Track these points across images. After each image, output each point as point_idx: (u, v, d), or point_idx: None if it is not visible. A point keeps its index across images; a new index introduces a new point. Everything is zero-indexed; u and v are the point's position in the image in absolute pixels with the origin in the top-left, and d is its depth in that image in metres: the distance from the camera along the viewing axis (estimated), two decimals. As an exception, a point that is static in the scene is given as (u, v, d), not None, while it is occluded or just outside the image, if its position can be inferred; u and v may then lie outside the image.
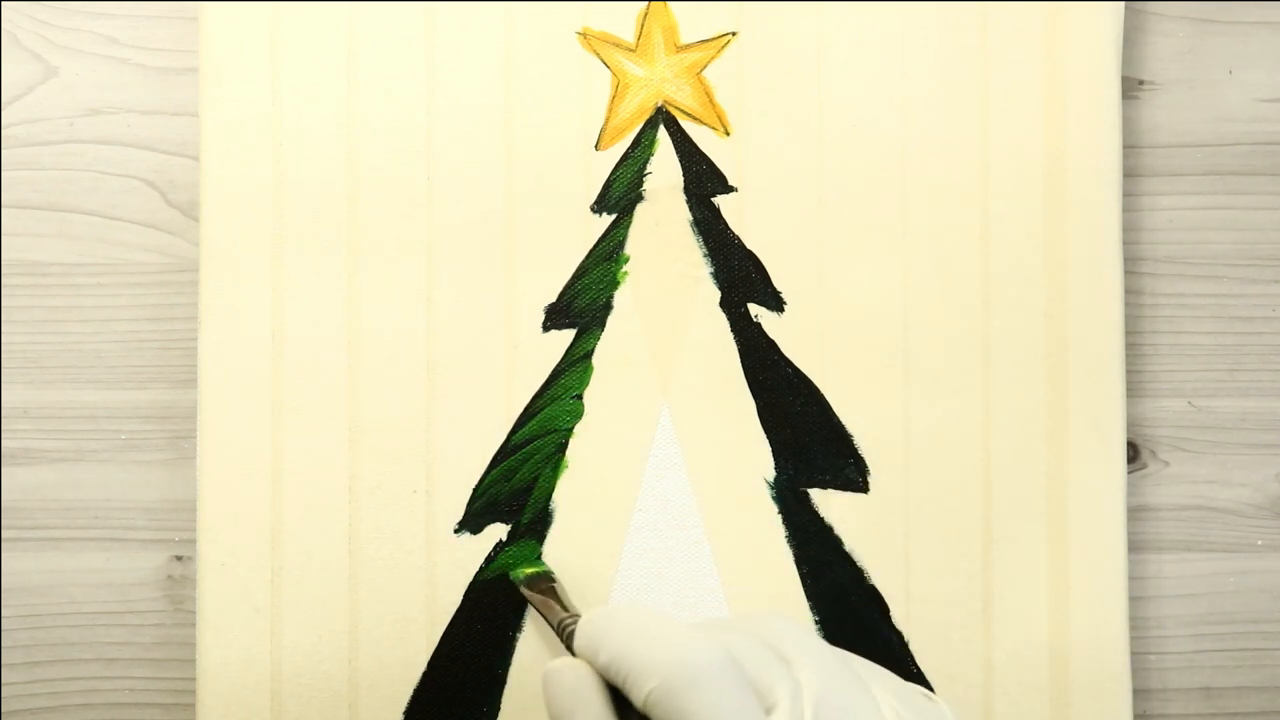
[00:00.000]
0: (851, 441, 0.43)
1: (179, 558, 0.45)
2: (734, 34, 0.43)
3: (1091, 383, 0.42)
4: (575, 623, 0.32)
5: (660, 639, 0.26)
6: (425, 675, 0.42)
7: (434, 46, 0.43)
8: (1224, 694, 0.44)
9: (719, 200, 0.43)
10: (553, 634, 0.41)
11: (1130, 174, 0.44)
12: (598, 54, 0.43)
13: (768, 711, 0.25)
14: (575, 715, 0.27)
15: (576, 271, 0.43)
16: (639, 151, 0.43)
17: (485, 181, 0.43)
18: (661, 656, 0.25)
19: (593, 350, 0.43)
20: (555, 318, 0.43)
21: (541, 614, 0.39)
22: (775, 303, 0.43)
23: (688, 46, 0.43)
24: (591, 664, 0.27)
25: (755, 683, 0.25)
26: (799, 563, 0.42)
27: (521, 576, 0.41)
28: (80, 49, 0.45)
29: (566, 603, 0.39)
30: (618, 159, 0.43)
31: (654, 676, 0.25)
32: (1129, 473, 0.44)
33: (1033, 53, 0.43)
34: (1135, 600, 0.43)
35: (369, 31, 0.43)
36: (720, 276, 0.43)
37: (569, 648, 0.32)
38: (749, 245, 0.43)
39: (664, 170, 0.43)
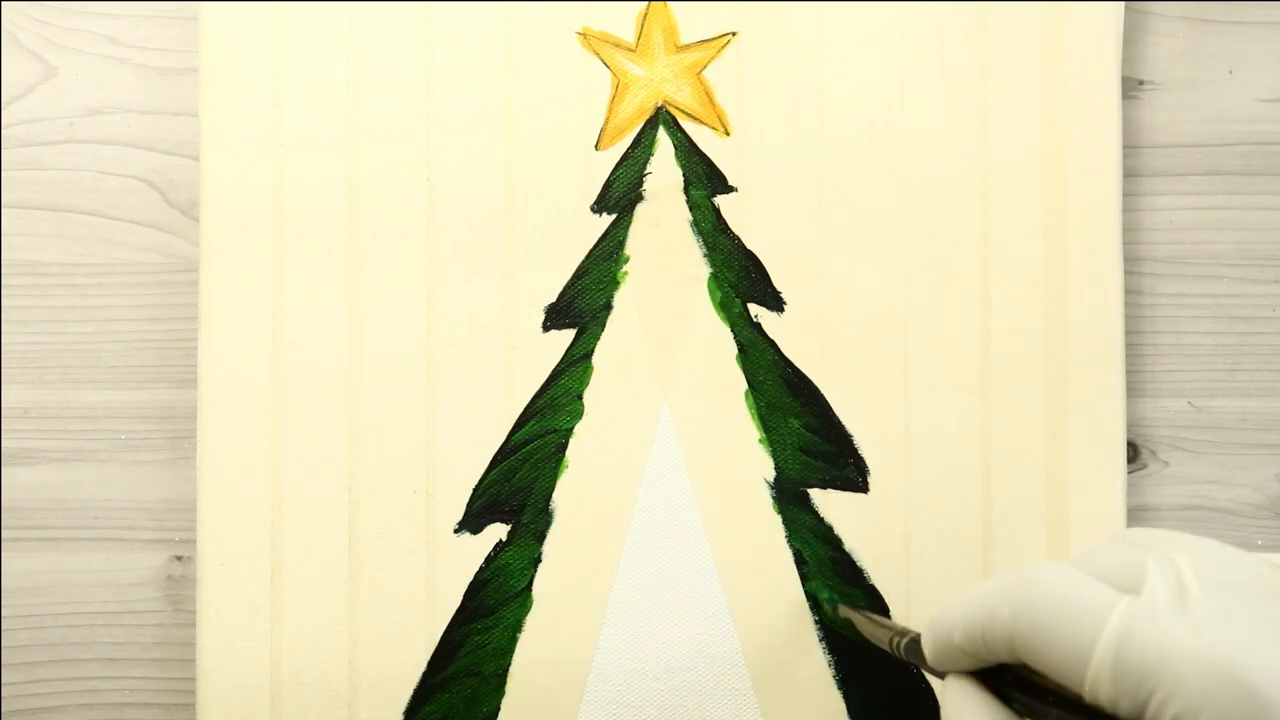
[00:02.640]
0: (851, 441, 0.43)
1: (179, 558, 0.45)
2: (734, 34, 0.43)
3: (1091, 383, 0.42)
4: (909, 634, 0.33)
5: (994, 583, 0.26)
6: (425, 675, 0.42)
7: (434, 46, 0.43)
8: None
9: (719, 200, 0.43)
10: (559, 641, 0.41)
11: (1130, 174, 0.44)
12: (598, 54, 0.43)
13: (1136, 590, 0.24)
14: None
15: (576, 271, 0.43)
16: (639, 151, 0.43)
17: (485, 181, 0.43)
18: (999, 588, 0.26)
19: (593, 350, 0.43)
20: (555, 318, 0.43)
21: (870, 633, 0.37)
22: (775, 303, 0.43)
23: (688, 46, 0.43)
24: (949, 651, 0.27)
25: (1120, 574, 0.25)
26: (799, 563, 0.42)
27: (833, 600, 0.41)
28: (80, 49, 0.45)
29: (889, 623, 0.37)
30: (618, 159, 0.43)
31: (1003, 608, 0.25)
32: (1129, 473, 0.44)
33: (1033, 53, 0.43)
34: (1135, 600, 0.43)
35: (369, 31, 0.43)
36: (720, 276, 0.43)
37: (909, 659, 0.32)
38: (749, 245, 0.43)
39: (664, 170, 0.43)
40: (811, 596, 0.42)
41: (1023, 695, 0.26)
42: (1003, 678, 0.27)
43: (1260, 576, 0.24)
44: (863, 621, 0.38)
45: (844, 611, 0.40)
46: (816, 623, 0.42)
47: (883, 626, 0.36)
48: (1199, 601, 0.23)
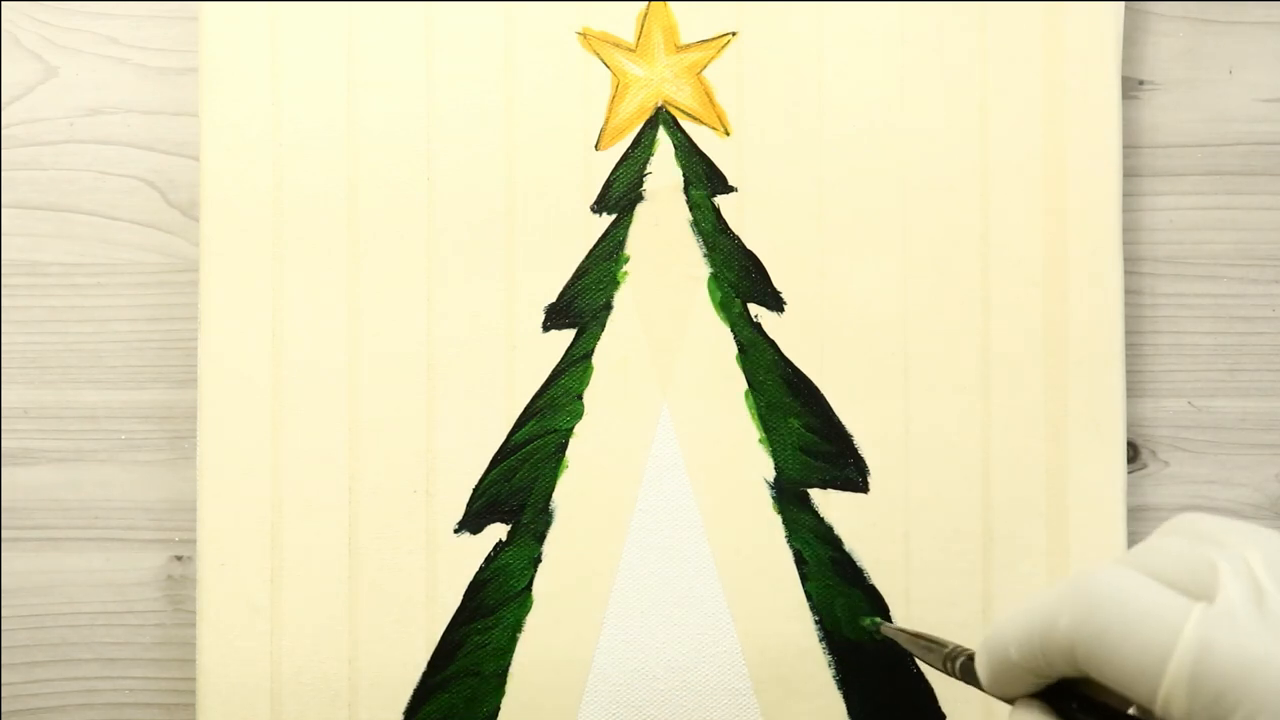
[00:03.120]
0: (851, 441, 0.43)
1: (179, 558, 0.45)
2: (734, 34, 0.43)
3: (1091, 383, 0.42)
4: (964, 653, 0.31)
5: (1051, 591, 0.24)
6: (425, 675, 0.42)
7: (434, 46, 0.43)
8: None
9: (719, 200, 0.43)
10: (559, 641, 0.41)
11: (1130, 174, 0.44)
12: (598, 54, 0.43)
13: (1207, 595, 0.22)
14: None
15: (576, 271, 0.43)
16: (639, 151, 0.43)
17: (485, 181, 0.43)
18: (1057, 596, 0.24)
19: (593, 350, 0.43)
20: (555, 318, 0.43)
21: (923, 653, 0.35)
22: (775, 303, 0.43)
23: (688, 46, 0.43)
24: (1006, 670, 0.26)
25: (1186, 575, 0.23)
26: (799, 563, 0.42)
27: (875, 624, 0.41)
28: (80, 49, 0.45)
29: (941, 640, 0.35)
30: (618, 159, 0.43)
31: (1062, 617, 0.24)
32: (1129, 473, 0.44)
33: (1033, 53, 0.43)
34: (1135, 600, 0.43)
35: (369, 31, 0.43)
36: (720, 276, 0.43)
37: (962, 677, 0.30)
38: (749, 245, 0.43)
39: (664, 170, 0.43)
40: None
41: (1089, 718, 0.25)
42: (1068, 701, 0.25)
43: None
44: (910, 641, 0.36)
45: (887, 631, 0.39)
46: (816, 623, 0.42)
47: (932, 647, 0.33)
48: (1278, 606, 0.22)
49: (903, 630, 0.37)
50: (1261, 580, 0.22)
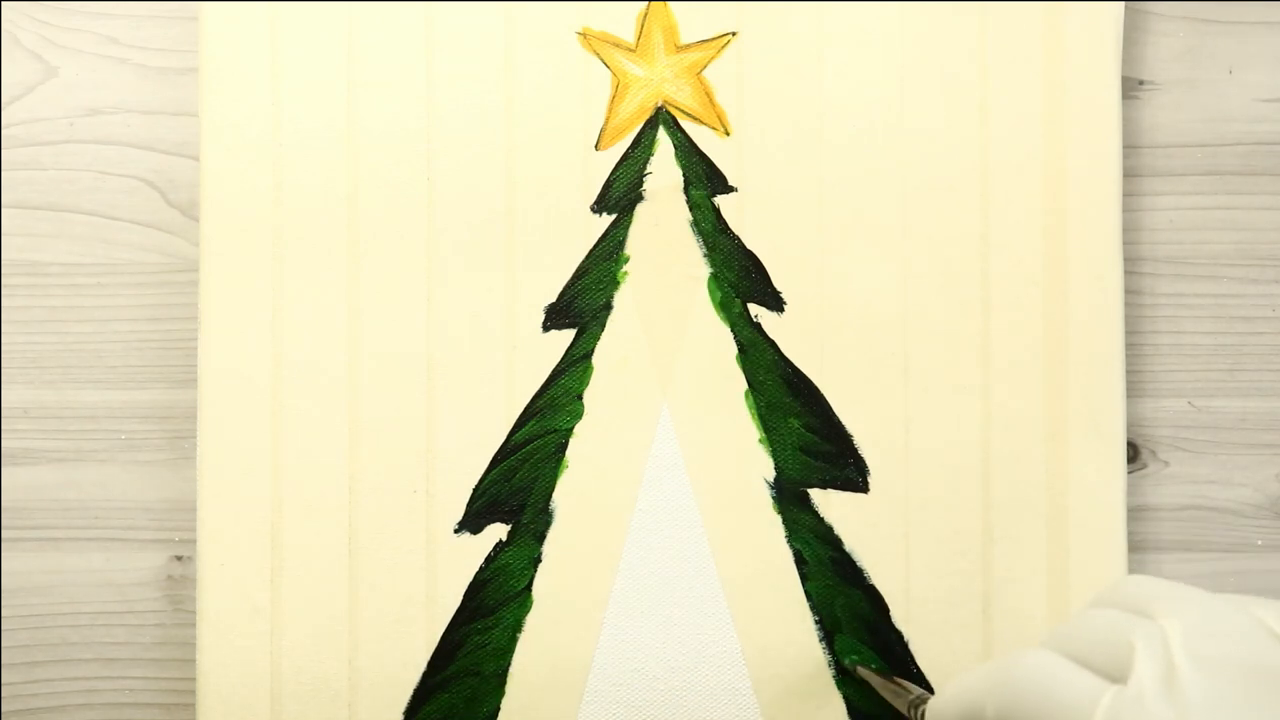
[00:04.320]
0: (851, 441, 0.43)
1: (179, 558, 0.45)
2: (734, 34, 0.43)
3: (1091, 383, 0.42)
4: (926, 701, 0.33)
5: (981, 673, 0.26)
6: (425, 675, 0.42)
7: (434, 46, 0.43)
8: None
9: (719, 200, 0.43)
10: (559, 640, 0.41)
11: (1130, 174, 0.44)
12: (598, 54, 0.43)
13: (1124, 674, 0.24)
14: None
15: (576, 271, 0.43)
16: (639, 151, 0.43)
17: (485, 181, 0.43)
18: (987, 680, 0.26)
19: (593, 350, 0.43)
20: (555, 318, 0.43)
21: (892, 696, 0.38)
22: (775, 303, 0.43)
23: (688, 46, 0.43)
24: None
25: (1107, 655, 0.24)
26: (799, 563, 0.42)
27: (854, 662, 0.42)
28: (80, 49, 0.45)
29: (909, 686, 0.38)
30: (618, 159, 0.43)
31: (989, 704, 0.25)
32: (1129, 473, 0.44)
33: (1033, 53, 0.43)
34: (1135, 600, 0.43)
35: (369, 31, 0.43)
36: (720, 276, 0.43)
37: None
38: (749, 245, 0.43)
39: (664, 170, 0.43)
40: (835, 660, 0.42)
41: None
42: None
43: (1255, 650, 0.23)
44: (882, 684, 0.38)
45: (862, 674, 0.40)
46: (816, 623, 0.42)
47: (900, 692, 0.36)
48: (1188, 687, 0.22)
49: (876, 673, 0.39)
50: (1176, 657, 0.23)
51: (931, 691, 0.37)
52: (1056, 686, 0.24)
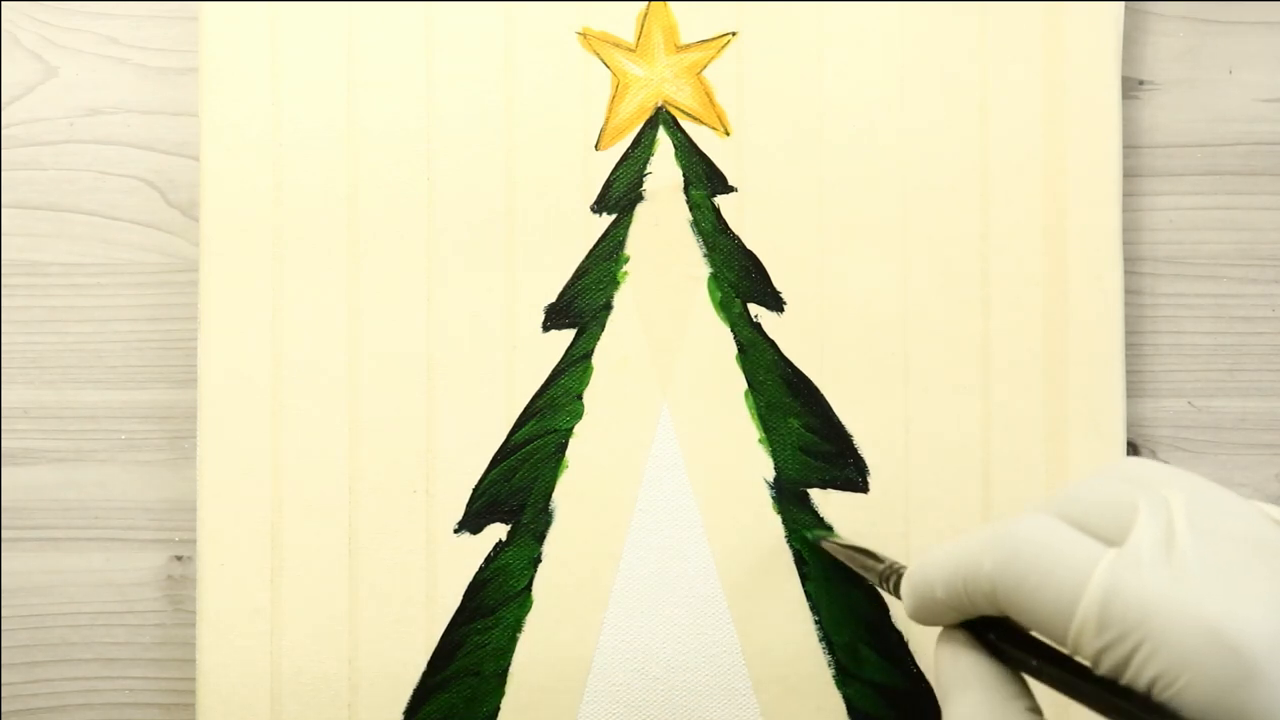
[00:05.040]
0: (851, 441, 0.43)
1: (179, 558, 0.45)
2: (734, 34, 0.43)
3: (1091, 383, 0.42)
4: (899, 570, 0.33)
5: (976, 536, 0.26)
6: (425, 675, 0.42)
7: (434, 46, 0.43)
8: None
9: (719, 200, 0.43)
10: (559, 640, 0.41)
11: (1130, 174, 0.44)
12: (598, 54, 0.43)
13: (1123, 538, 0.23)
14: (964, 686, 0.26)
15: (576, 271, 0.43)
16: (639, 151, 0.43)
17: (485, 182, 0.43)
18: (981, 541, 0.25)
19: (593, 350, 0.43)
20: (555, 318, 0.43)
21: (861, 569, 0.37)
22: (775, 303, 0.43)
23: (688, 46, 0.43)
24: (931, 605, 0.27)
25: (1106, 519, 0.24)
26: (799, 563, 0.42)
27: (816, 535, 0.41)
28: (80, 49, 0.45)
29: (879, 554, 0.37)
30: (618, 159, 0.43)
31: (985, 563, 0.25)
32: (1129, 473, 0.44)
33: (1033, 53, 0.43)
34: (1135, 600, 0.43)
35: (369, 31, 0.43)
36: (720, 276, 0.43)
37: (895, 594, 0.32)
38: (749, 245, 0.43)
39: (664, 170, 0.43)
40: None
41: (1012, 649, 0.26)
42: (987, 632, 0.27)
43: (1254, 527, 0.23)
44: (849, 556, 0.38)
45: (827, 546, 0.40)
46: (816, 623, 0.42)
47: (869, 564, 0.36)
48: (1187, 552, 0.22)
49: (842, 544, 0.39)
50: (1177, 525, 0.23)
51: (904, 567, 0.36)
52: (1055, 548, 0.24)
